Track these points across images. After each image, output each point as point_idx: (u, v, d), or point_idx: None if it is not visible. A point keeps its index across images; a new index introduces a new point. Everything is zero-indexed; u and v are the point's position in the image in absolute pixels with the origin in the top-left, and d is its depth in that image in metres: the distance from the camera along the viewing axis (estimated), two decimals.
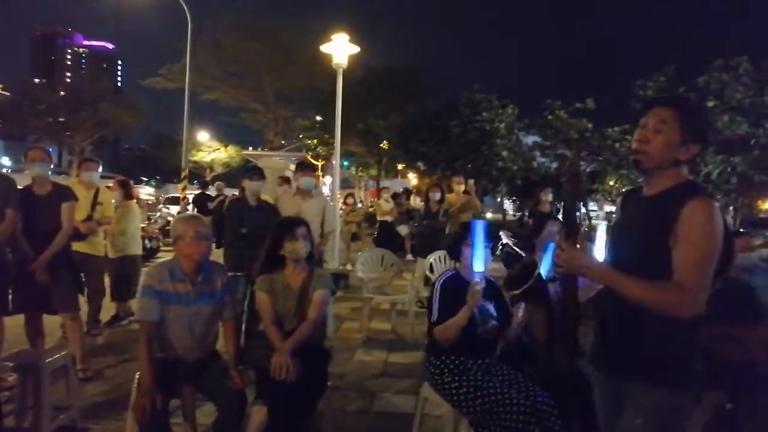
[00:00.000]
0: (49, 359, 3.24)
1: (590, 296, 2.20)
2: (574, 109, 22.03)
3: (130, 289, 6.21)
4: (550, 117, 22.59)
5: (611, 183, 25.30)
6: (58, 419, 3.28)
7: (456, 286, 2.87)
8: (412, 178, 36.98)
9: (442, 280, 3.01)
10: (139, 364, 2.81)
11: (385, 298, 6.36)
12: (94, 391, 4.11)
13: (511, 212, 37.16)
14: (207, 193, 13.31)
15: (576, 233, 1.93)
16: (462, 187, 8.15)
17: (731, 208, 18.80)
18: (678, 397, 1.82)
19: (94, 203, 5.37)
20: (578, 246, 1.90)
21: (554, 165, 23.90)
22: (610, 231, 2.12)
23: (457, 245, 3.09)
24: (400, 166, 38.72)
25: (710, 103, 15.73)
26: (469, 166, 22.05)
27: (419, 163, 27.22)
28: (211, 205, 10.38)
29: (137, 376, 2.84)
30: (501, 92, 22.97)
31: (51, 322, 4.43)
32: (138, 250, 6.52)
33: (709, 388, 3.00)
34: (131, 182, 7.12)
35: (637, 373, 1.85)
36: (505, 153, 22.58)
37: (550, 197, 7.10)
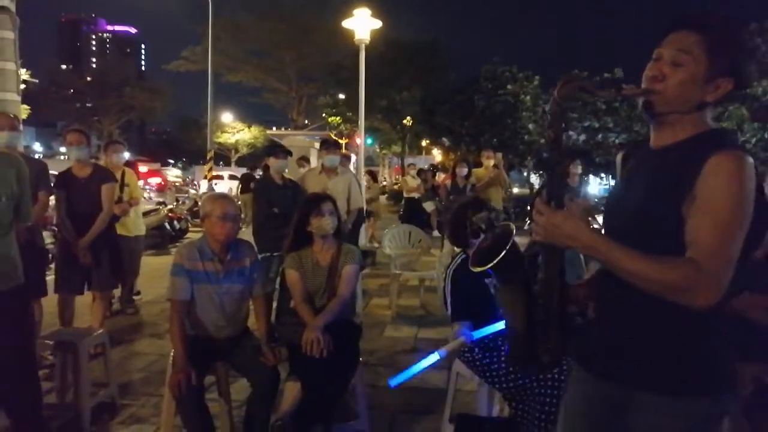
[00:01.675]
0: (87, 337, 3.32)
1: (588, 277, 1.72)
2: (602, 80, 21.50)
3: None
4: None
5: None
6: (98, 396, 3.38)
7: (469, 272, 2.82)
8: (437, 155, 36.74)
9: (454, 267, 2.96)
10: (171, 342, 2.85)
11: (413, 274, 6.35)
12: (131, 368, 4.21)
13: (537, 186, 36.74)
14: (254, 174, 13.31)
15: (560, 193, 1.47)
16: (491, 162, 8.04)
17: None
18: (706, 408, 1.39)
19: (122, 185, 5.44)
20: (564, 209, 1.45)
21: (582, 137, 23.46)
22: (606, 199, 1.71)
23: (458, 229, 2.96)
24: (424, 143, 38.50)
25: None
26: (495, 140, 21.78)
27: (444, 139, 26.98)
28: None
29: (172, 354, 2.88)
30: (522, 64, 22.44)
31: (79, 304, 4.51)
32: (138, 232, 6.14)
33: (748, 361, 2.94)
34: (136, 163, 7.00)
35: (652, 381, 1.40)
36: (531, 126, 22.21)
37: (579, 170, 6.95)
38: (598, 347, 1.53)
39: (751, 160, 1.30)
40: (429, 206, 11.94)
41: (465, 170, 7.38)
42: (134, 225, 5.75)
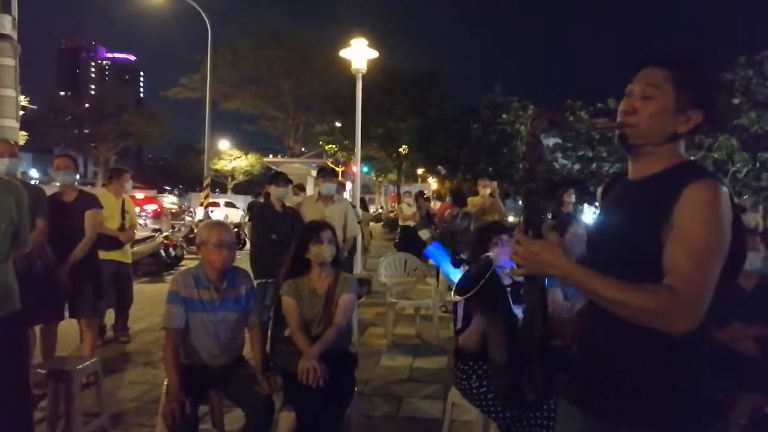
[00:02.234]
0: (80, 366, 3.28)
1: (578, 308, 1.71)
2: (595, 110, 21.79)
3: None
4: (571, 118, 22.30)
5: None
6: (90, 425, 3.32)
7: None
8: (432, 183, 36.92)
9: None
10: (165, 371, 2.83)
11: (409, 302, 6.33)
12: (123, 397, 4.15)
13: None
14: (260, 201, 13.38)
15: (537, 222, 1.48)
16: (488, 191, 8.11)
17: (761, 207, 18.41)
18: None
19: (123, 211, 5.46)
20: (543, 239, 1.46)
21: (576, 166, 23.67)
22: (589, 231, 1.73)
23: (477, 250, 3.02)
24: (420, 171, 38.72)
25: (736, 100, 15.46)
26: (491, 169, 21.94)
27: (440, 167, 27.16)
28: None
29: (165, 383, 2.86)
30: (521, 94, 22.80)
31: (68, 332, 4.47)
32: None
33: (746, 390, 2.93)
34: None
35: (631, 415, 1.40)
36: None
37: (573, 198, 7.02)
38: (581, 381, 1.53)
39: (726, 189, 1.34)
40: (425, 234, 11.95)
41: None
42: (129, 252, 5.76)
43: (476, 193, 8.33)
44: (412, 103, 25.75)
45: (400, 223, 12.68)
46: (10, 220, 2.67)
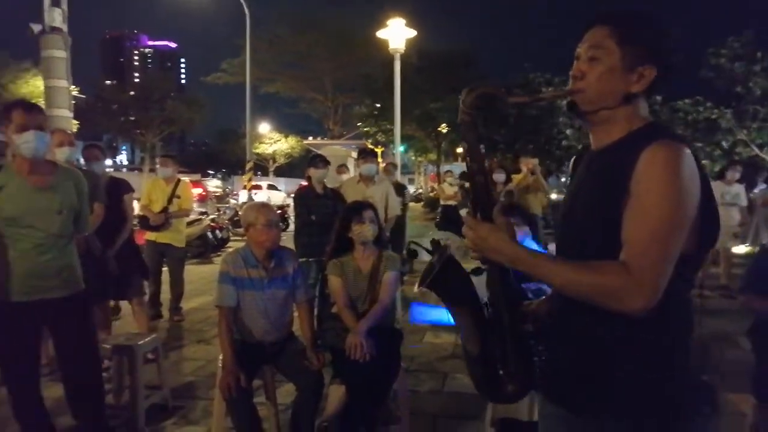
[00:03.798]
0: (142, 342, 3.48)
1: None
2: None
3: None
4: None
5: None
6: (151, 398, 3.52)
7: None
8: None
9: None
10: (220, 346, 2.97)
11: None
12: (181, 372, 4.37)
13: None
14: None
15: (485, 205, 1.37)
16: (529, 168, 8.04)
17: None
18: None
19: (172, 196, 5.66)
20: (494, 221, 1.36)
21: None
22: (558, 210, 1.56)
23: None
24: (460, 150, 38.38)
25: None
26: (531, 146, 21.58)
27: (480, 146, 26.85)
28: None
29: (220, 358, 3.00)
30: (558, 71, 22.23)
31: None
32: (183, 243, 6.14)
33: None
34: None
35: (593, 404, 1.29)
36: (568, 131, 21.92)
37: None
38: (548, 370, 1.43)
39: (689, 151, 1.20)
40: (465, 213, 11.94)
41: (502, 176, 7.39)
42: (182, 236, 5.98)
43: (518, 171, 8.27)
44: (449, 83, 25.45)
45: (442, 202, 12.70)
46: (71, 206, 2.84)
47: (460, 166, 32.68)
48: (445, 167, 23.77)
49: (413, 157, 38.81)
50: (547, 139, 21.97)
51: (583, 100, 1.34)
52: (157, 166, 6.19)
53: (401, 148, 31.45)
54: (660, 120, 18.90)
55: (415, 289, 1.54)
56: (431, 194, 25.65)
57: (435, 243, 2.70)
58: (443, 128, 28.03)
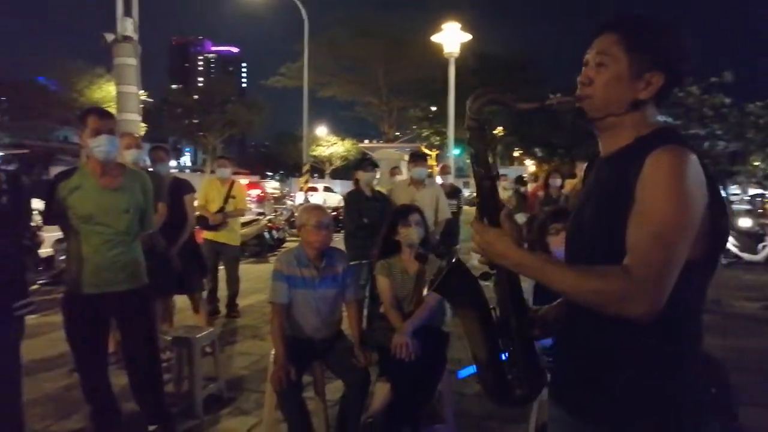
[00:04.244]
0: (200, 335, 3.67)
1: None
2: (708, 84, 20.24)
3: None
4: (680, 94, 20.93)
5: (756, 163, 22.99)
6: (208, 388, 3.71)
7: None
8: (530, 165, 36.03)
9: None
10: (272, 342, 3.11)
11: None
12: (236, 366, 4.56)
13: None
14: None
15: (492, 210, 1.39)
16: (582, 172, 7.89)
17: None
18: None
19: (228, 196, 5.89)
20: (499, 226, 1.37)
21: None
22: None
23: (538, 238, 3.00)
24: (516, 153, 37.90)
25: None
26: (590, 150, 21.09)
27: (536, 149, 26.46)
28: None
29: (272, 353, 3.14)
30: None
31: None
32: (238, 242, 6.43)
33: None
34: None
35: (600, 414, 1.29)
36: None
37: None
38: (559, 377, 1.44)
39: (694, 156, 1.18)
40: (520, 218, 11.78)
41: (558, 181, 7.30)
42: (237, 235, 6.21)
43: (575, 176, 8.14)
44: (506, 86, 25.23)
45: None
46: (137, 206, 3.05)
47: (516, 170, 32.32)
48: (500, 170, 23.56)
49: (468, 160, 38.60)
50: None
51: (591, 106, 1.33)
52: (216, 167, 6.47)
53: (456, 151, 31.34)
54: (729, 124, 18.12)
55: (425, 292, 1.57)
56: None
57: None
58: (499, 131, 27.79)
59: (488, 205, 1.40)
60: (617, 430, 1.27)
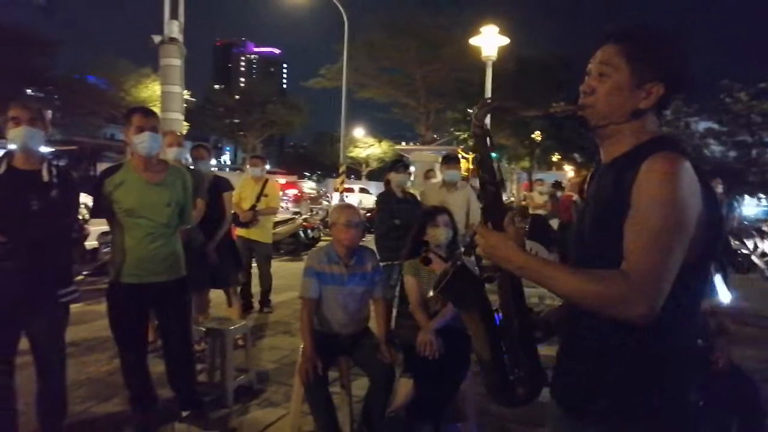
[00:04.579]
0: (232, 327, 3.81)
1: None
2: (757, 90, 19.61)
3: None
4: (727, 100, 20.34)
5: None
6: (239, 379, 3.85)
7: None
8: (569, 170, 35.49)
9: None
10: (301, 335, 3.21)
11: (532, 290, 6.31)
12: (266, 359, 4.69)
13: None
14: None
15: (496, 214, 1.43)
16: None
17: None
18: None
19: (260, 195, 6.03)
20: (504, 231, 1.41)
21: (732, 153, 21.51)
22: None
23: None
24: (555, 158, 37.39)
25: None
26: None
27: (575, 154, 26.07)
28: None
29: (301, 347, 3.24)
30: None
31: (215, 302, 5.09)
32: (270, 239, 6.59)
33: None
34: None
35: (597, 414, 1.33)
36: None
37: (720, 189, 6.55)
38: (557, 376, 1.48)
39: (688, 163, 1.22)
40: (556, 224, 11.68)
41: None
42: (269, 232, 6.36)
43: None
44: (544, 89, 24.95)
45: (530, 211, 12.50)
46: (178, 200, 3.20)
47: (554, 175, 31.85)
48: (537, 175, 23.29)
49: (506, 164, 38.21)
50: None
51: (593, 115, 1.38)
52: (247, 166, 6.62)
53: (493, 155, 31.17)
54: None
55: (430, 294, 1.61)
56: (523, 203, 25.24)
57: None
58: (537, 136, 27.48)
59: (492, 209, 1.44)
60: (615, 430, 1.32)
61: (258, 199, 6.05)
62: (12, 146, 2.77)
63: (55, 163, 2.92)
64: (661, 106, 1.36)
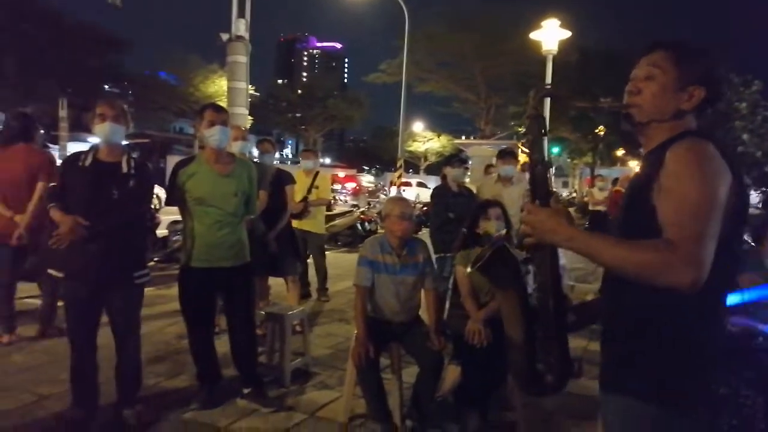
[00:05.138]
0: (291, 312, 4.03)
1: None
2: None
3: None
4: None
5: None
6: (296, 362, 4.06)
7: None
8: (634, 166, 34.28)
9: None
10: (354, 321, 3.37)
11: (587, 287, 6.28)
12: (322, 344, 4.89)
13: (756, 204, 32.23)
14: None
15: (544, 192, 1.51)
16: None
17: None
18: (648, 414, 1.39)
19: (311, 187, 6.23)
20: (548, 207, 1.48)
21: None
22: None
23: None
24: (619, 153, 36.21)
25: None
26: None
27: (641, 150, 25.15)
28: None
29: (355, 333, 3.40)
30: (741, 69, 20.02)
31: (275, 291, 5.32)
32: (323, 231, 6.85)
33: None
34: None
35: (628, 387, 1.43)
36: (745, 136, 19.77)
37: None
38: (603, 355, 1.56)
39: (711, 146, 1.33)
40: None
41: None
42: (321, 223, 6.56)
43: None
44: (609, 83, 24.19)
45: (590, 207, 12.25)
46: (244, 191, 3.41)
47: (618, 171, 30.89)
48: (600, 171, 22.68)
49: (567, 159, 37.34)
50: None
51: (638, 113, 1.50)
52: (300, 158, 6.79)
53: (555, 150, 30.51)
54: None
55: (468, 270, 1.71)
56: (585, 198, 24.65)
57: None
58: (600, 130, 26.70)
59: (540, 189, 1.53)
60: (620, 404, 1.44)
61: (309, 191, 6.23)
62: (96, 140, 3.05)
63: (133, 156, 3.19)
64: (700, 109, 1.48)
